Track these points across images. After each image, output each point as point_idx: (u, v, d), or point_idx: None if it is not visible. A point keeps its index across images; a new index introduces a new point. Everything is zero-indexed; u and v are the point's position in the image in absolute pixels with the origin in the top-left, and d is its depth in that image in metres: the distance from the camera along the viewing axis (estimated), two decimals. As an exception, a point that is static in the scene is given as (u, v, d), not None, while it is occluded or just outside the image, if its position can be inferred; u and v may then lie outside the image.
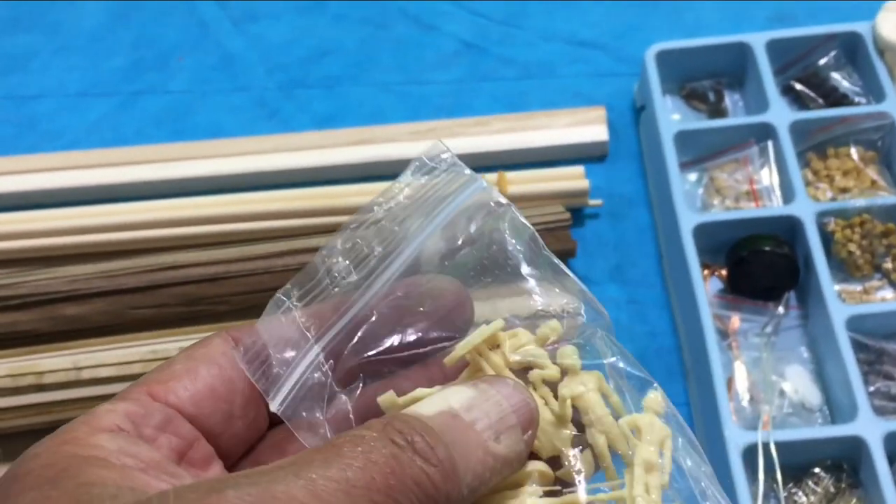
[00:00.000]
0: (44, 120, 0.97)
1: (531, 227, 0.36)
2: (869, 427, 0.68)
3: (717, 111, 0.89)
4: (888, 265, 0.78)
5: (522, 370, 0.33)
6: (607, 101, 0.93)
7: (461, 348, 0.33)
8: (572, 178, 0.85)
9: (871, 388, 0.71)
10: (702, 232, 0.78)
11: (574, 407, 0.32)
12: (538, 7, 1.01)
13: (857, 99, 0.87)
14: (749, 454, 0.68)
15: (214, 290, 0.77)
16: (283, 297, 0.34)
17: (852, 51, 0.89)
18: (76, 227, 0.84)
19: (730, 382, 0.73)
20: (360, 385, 0.34)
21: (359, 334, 0.34)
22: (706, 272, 0.79)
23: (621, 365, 0.34)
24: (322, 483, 0.25)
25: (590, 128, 0.89)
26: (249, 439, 0.33)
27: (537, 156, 0.88)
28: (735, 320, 0.77)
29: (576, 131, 0.89)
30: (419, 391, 0.32)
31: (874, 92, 0.86)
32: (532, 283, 0.35)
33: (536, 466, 0.32)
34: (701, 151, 0.85)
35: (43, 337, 0.77)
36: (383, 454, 0.27)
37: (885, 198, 0.79)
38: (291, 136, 0.92)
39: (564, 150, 0.88)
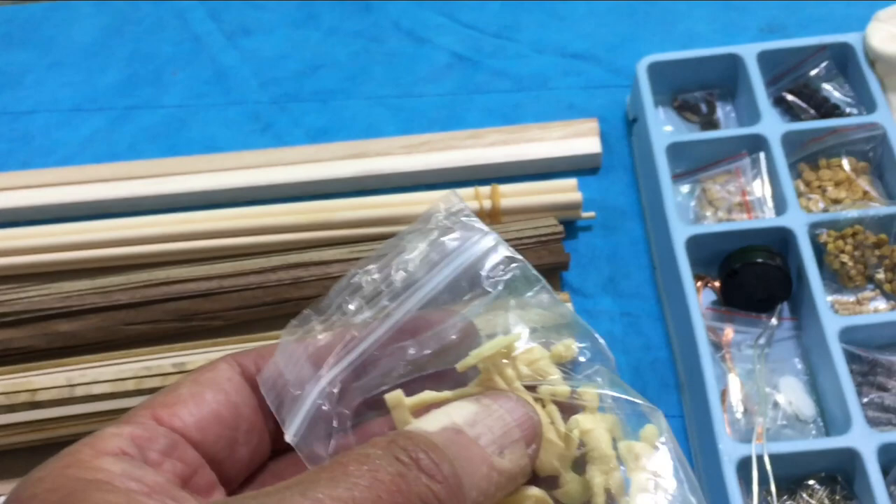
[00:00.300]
0: (37, 135, 0.97)
1: (542, 279, 0.36)
2: (863, 439, 0.68)
3: (710, 123, 0.90)
4: (881, 276, 0.78)
5: (532, 386, 0.34)
6: (600, 113, 0.93)
7: (474, 356, 0.33)
8: (565, 190, 0.85)
9: (865, 400, 0.71)
10: (694, 244, 0.78)
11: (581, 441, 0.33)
12: (530, 20, 1.01)
13: (848, 109, 0.87)
14: (743, 466, 0.68)
15: (208, 306, 0.77)
16: (296, 326, 0.35)
17: (843, 61, 0.89)
18: (70, 244, 0.84)
19: (723, 394, 0.73)
20: (366, 415, 0.34)
21: (365, 368, 0.34)
22: (699, 284, 0.79)
23: (621, 406, 0.35)
24: (329, 502, 0.25)
25: (582, 140, 0.89)
26: (251, 467, 0.33)
27: (530, 168, 0.88)
28: (728, 332, 0.77)
29: (568, 143, 0.89)
30: (427, 394, 0.33)
31: (865, 102, 0.86)
32: (538, 319, 0.36)
33: (534, 492, 0.32)
34: (693, 163, 0.85)
35: (37, 353, 0.77)
36: (389, 472, 0.27)
37: (876, 208, 0.79)
38: (285, 150, 0.92)
39: (557, 162, 0.88)
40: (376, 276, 0.35)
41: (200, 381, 0.32)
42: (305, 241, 0.83)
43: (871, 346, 0.74)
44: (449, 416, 0.30)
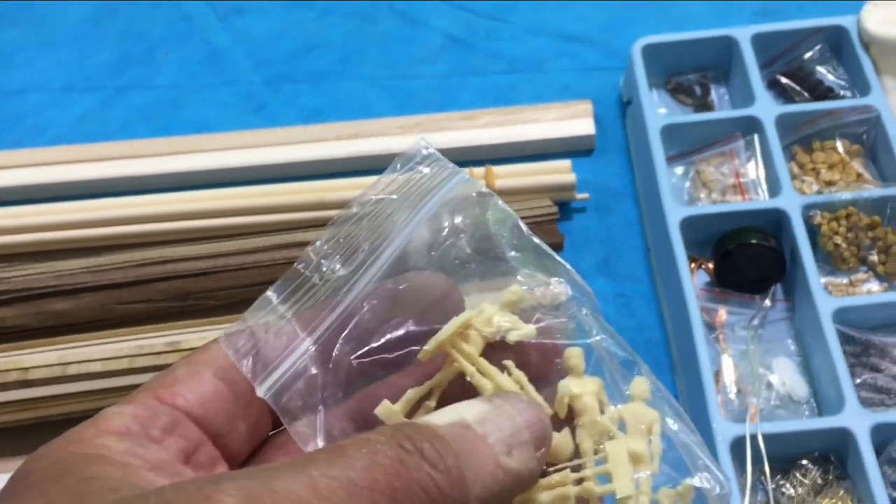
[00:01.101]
0: (29, 115, 0.97)
1: (514, 213, 0.36)
2: (856, 419, 0.68)
3: (704, 105, 0.90)
4: (874, 258, 0.79)
5: (500, 344, 0.34)
6: (594, 95, 0.93)
7: (432, 343, 0.33)
8: (559, 171, 0.85)
9: (858, 380, 0.72)
10: (688, 225, 0.78)
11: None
12: (525, 1, 1.01)
13: (842, 92, 0.87)
14: (737, 447, 0.68)
15: (203, 285, 0.77)
16: (271, 293, 0.34)
17: (837, 44, 0.89)
18: (62, 223, 0.84)
19: (717, 375, 0.74)
20: (354, 383, 0.34)
21: (349, 329, 0.34)
22: (693, 265, 0.79)
23: (606, 345, 0.35)
24: (324, 481, 0.25)
25: (577, 122, 0.89)
26: (253, 441, 0.33)
27: (524, 150, 0.88)
28: (722, 313, 0.77)
29: (563, 125, 0.89)
30: (410, 392, 0.33)
31: (859, 85, 0.86)
32: (516, 266, 0.36)
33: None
34: (687, 145, 0.85)
35: (29, 332, 0.76)
36: (389, 456, 0.26)
37: (870, 191, 0.79)
38: (278, 131, 0.92)
39: (551, 143, 0.88)
40: (350, 229, 0.35)
41: (196, 361, 0.32)
42: (300, 222, 0.83)
43: (864, 328, 0.74)
44: (458, 412, 0.30)
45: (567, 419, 0.33)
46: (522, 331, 0.34)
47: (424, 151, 0.37)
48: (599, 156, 0.89)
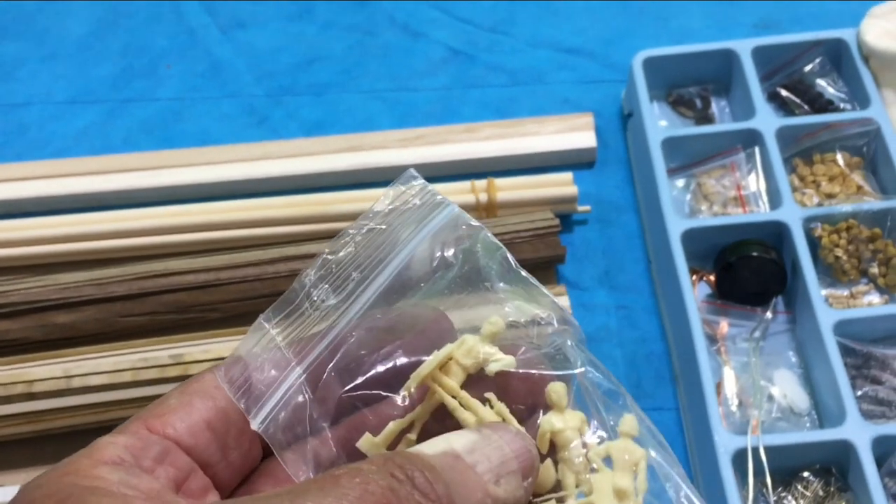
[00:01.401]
0: (32, 128, 0.97)
1: (503, 246, 0.37)
2: (857, 431, 0.68)
3: (704, 118, 0.90)
4: (874, 270, 0.79)
5: (480, 375, 0.34)
6: (595, 107, 0.93)
7: (414, 378, 0.34)
8: (561, 184, 0.85)
9: (859, 393, 0.72)
10: (690, 237, 0.78)
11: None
12: (526, 14, 1.02)
13: (842, 105, 0.88)
14: (738, 459, 0.68)
15: (205, 298, 0.77)
16: (263, 322, 0.35)
17: (837, 57, 0.89)
18: (65, 235, 0.84)
19: (719, 387, 0.74)
20: (342, 411, 0.34)
21: (338, 358, 0.34)
22: (694, 277, 0.79)
23: (591, 376, 0.35)
24: None
25: (578, 134, 0.90)
26: (244, 470, 0.34)
27: (526, 162, 0.89)
28: (723, 325, 0.77)
29: (564, 138, 0.89)
30: (392, 425, 0.33)
31: (859, 98, 0.87)
32: (504, 297, 0.36)
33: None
34: (688, 157, 0.85)
35: (33, 345, 0.77)
36: (381, 486, 0.27)
37: (870, 203, 0.80)
38: (280, 144, 0.92)
39: (553, 156, 0.89)
40: (340, 259, 0.36)
41: (188, 391, 0.33)
42: (302, 234, 0.83)
43: (865, 340, 0.74)
44: (448, 442, 0.30)
45: (550, 453, 0.34)
46: (502, 361, 0.34)
47: (415, 182, 0.37)
48: (601, 168, 0.90)
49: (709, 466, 0.69)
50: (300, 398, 0.33)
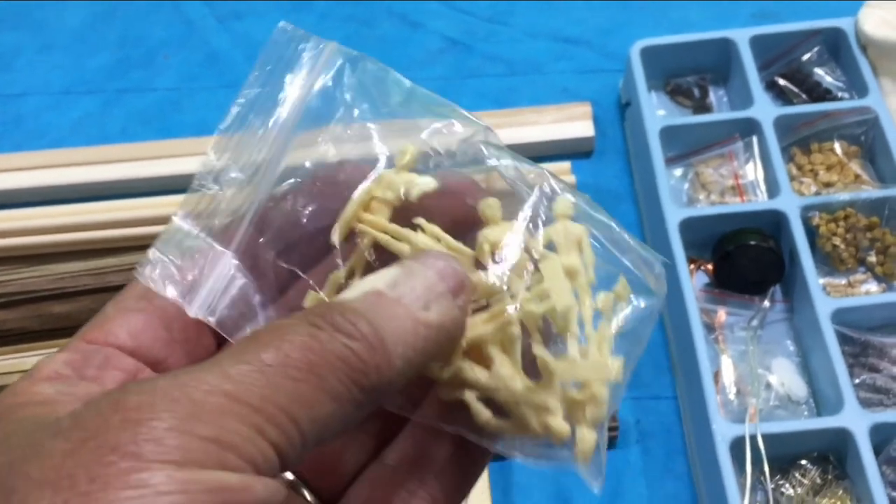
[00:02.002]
0: (28, 118, 0.97)
1: (390, 69, 0.36)
2: (855, 419, 0.68)
3: (702, 107, 0.90)
4: (872, 259, 0.79)
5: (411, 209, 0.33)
6: (593, 97, 0.93)
7: (339, 226, 0.33)
8: (559, 173, 0.84)
9: (857, 381, 0.72)
10: (688, 226, 0.78)
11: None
12: (524, 4, 1.01)
13: (840, 94, 0.88)
14: (736, 447, 0.68)
15: (202, 287, 0.77)
16: (176, 220, 0.33)
17: (835, 46, 0.89)
18: (62, 225, 0.84)
19: (716, 376, 0.74)
20: (285, 281, 0.34)
21: (267, 231, 0.33)
22: (692, 266, 0.79)
23: (515, 166, 0.34)
24: (235, 366, 0.25)
25: (576, 124, 0.89)
26: (196, 358, 0.33)
27: (524, 151, 0.87)
28: (721, 314, 0.77)
29: (562, 127, 0.89)
30: (332, 276, 0.33)
31: (857, 87, 0.87)
32: (414, 122, 0.35)
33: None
34: (686, 147, 0.85)
35: (30, 335, 0.77)
36: (300, 334, 0.26)
37: (868, 192, 0.80)
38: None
39: (551, 145, 0.89)
40: (244, 136, 0.34)
41: (123, 297, 0.32)
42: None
43: (862, 328, 0.74)
44: (369, 283, 0.29)
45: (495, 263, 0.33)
46: (421, 185, 0.33)
47: (293, 36, 0.36)
48: (598, 158, 0.90)
49: (707, 455, 0.69)
50: (237, 279, 0.33)
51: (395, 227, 0.33)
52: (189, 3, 1.04)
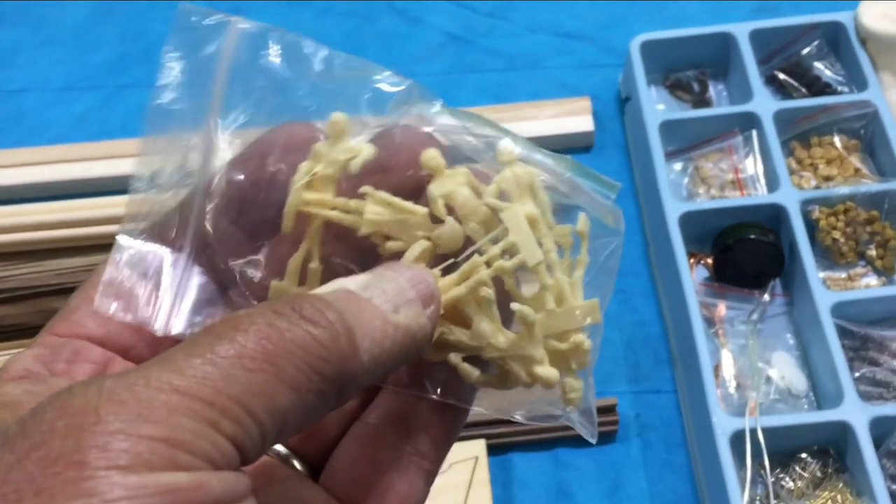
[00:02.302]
0: (29, 114, 0.97)
1: (306, 37, 0.34)
2: (855, 412, 0.68)
3: (702, 101, 0.90)
4: (872, 252, 0.79)
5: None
6: (592, 92, 0.93)
7: (286, 215, 0.32)
8: (559, 168, 0.85)
9: (857, 374, 0.72)
10: (688, 221, 0.78)
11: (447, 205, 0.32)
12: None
13: (839, 88, 0.88)
14: (736, 440, 0.68)
15: (203, 282, 0.77)
16: (122, 235, 0.32)
17: (835, 40, 0.89)
18: (62, 221, 0.84)
19: (716, 369, 0.74)
20: (246, 274, 0.33)
21: (214, 223, 0.32)
22: (692, 261, 0.79)
23: (446, 115, 0.34)
24: (186, 361, 0.24)
25: (575, 118, 0.90)
26: (167, 342, 0.32)
27: (524, 147, 0.88)
28: (721, 308, 0.77)
29: (562, 122, 0.89)
30: (291, 262, 0.32)
31: (857, 81, 0.87)
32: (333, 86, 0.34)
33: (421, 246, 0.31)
34: (686, 141, 0.85)
35: (31, 330, 0.77)
36: (257, 323, 0.25)
37: (868, 185, 0.80)
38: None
39: (550, 140, 0.89)
40: (158, 142, 0.33)
41: (87, 286, 0.31)
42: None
43: (862, 322, 0.74)
44: (340, 283, 0.29)
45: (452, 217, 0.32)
46: (361, 155, 0.32)
47: (198, 14, 0.33)
48: (598, 152, 0.90)
49: (707, 448, 0.69)
50: (194, 280, 0.32)
51: (342, 201, 0.32)
52: (189, -2, 1.04)
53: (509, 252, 0.31)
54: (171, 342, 0.31)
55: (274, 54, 0.33)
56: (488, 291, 0.31)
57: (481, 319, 0.31)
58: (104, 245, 0.83)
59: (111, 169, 0.89)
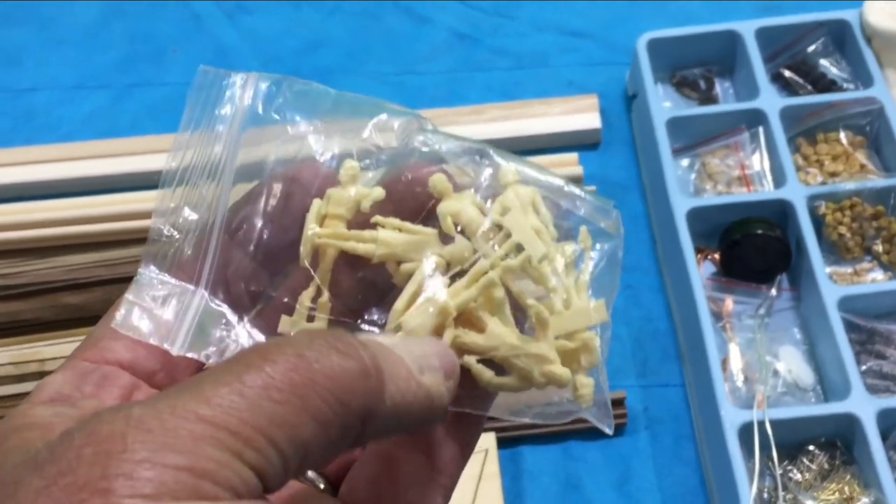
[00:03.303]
0: (40, 112, 0.97)
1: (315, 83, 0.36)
2: (862, 405, 0.69)
3: (708, 99, 0.90)
4: (878, 247, 0.79)
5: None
6: (599, 89, 0.94)
7: (303, 247, 0.33)
8: (566, 165, 0.86)
9: (864, 367, 0.73)
10: (695, 216, 0.79)
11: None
12: (530, -2, 1.02)
13: (845, 85, 0.88)
14: (745, 433, 0.69)
15: (214, 278, 0.78)
16: (142, 270, 0.33)
17: (840, 38, 0.90)
18: (74, 218, 0.85)
19: (724, 363, 0.74)
20: (258, 297, 0.34)
21: (232, 257, 0.34)
22: (699, 256, 0.80)
23: (453, 146, 0.35)
24: (213, 390, 0.24)
25: (583, 115, 0.90)
26: (190, 370, 0.33)
27: (531, 143, 0.89)
28: (729, 303, 0.78)
29: (569, 119, 0.90)
30: (303, 297, 0.33)
31: (862, 78, 0.87)
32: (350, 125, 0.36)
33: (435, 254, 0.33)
34: (693, 138, 0.86)
35: (45, 325, 0.77)
36: (286, 354, 0.25)
37: (874, 181, 0.80)
38: (286, 126, 0.92)
39: (558, 137, 0.89)
40: (185, 175, 0.35)
41: (111, 316, 0.32)
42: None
43: (869, 316, 0.75)
44: (371, 336, 0.30)
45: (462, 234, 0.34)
46: (371, 195, 0.34)
47: (216, 75, 0.36)
48: (605, 149, 0.90)
49: (715, 441, 0.70)
50: (212, 308, 0.33)
51: (355, 233, 0.33)
52: (197, -2, 1.05)
53: (513, 254, 0.33)
54: (195, 365, 0.33)
55: (286, 98, 0.36)
56: (500, 291, 0.32)
57: (495, 322, 0.32)
58: (114, 241, 0.84)
59: (120, 166, 0.90)
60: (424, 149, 0.35)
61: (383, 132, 0.35)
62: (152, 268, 0.33)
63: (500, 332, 0.32)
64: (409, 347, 0.30)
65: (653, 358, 0.79)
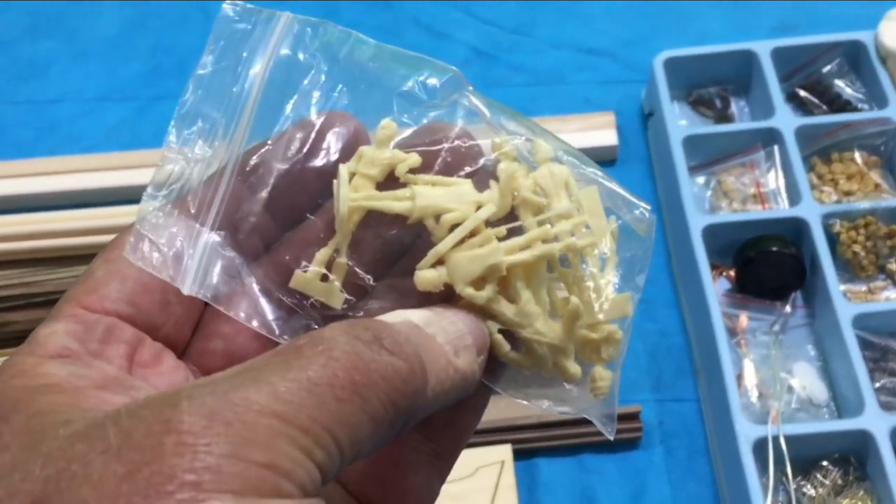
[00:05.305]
0: (64, 124, 0.99)
1: (353, 32, 0.35)
2: (876, 421, 0.69)
3: (724, 117, 0.91)
4: (892, 266, 0.80)
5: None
6: (615, 107, 0.95)
7: (342, 200, 0.32)
8: (583, 181, 0.86)
9: (877, 385, 0.73)
10: (710, 233, 0.80)
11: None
12: (547, 16, 1.03)
13: (860, 105, 0.89)
14: (759, 448, 0.70)
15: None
16: (148, 197, 0.33)
17: (855, 59, 0.91)
18: (97, 228, 0.86)
19: (739, 379, 0.75)
20: (270, 237, 0.33)
21: (243, 195, 0.33)
22: (715, 272, 0.80)
23: (502, 116, 0.34)
24: (283, 384, 0.24)
25: (599, 133, 0.91)
26: (192, 319, 0.32)
27: (548, 160, 0.90)
28: (743, 319, 0.79)
29: (586, 136, 0.91)
30: (319, 255, 0.32)
31: (877, 98, 0.88)
32: (384, 79, 0.35)
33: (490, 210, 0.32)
34: (709, 156, 0.87)
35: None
36: (345, 351, 0.26)
37: (888, 200, 0.81)
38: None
39: (575, 154, 0.90)
40: (199, 108, 0.33)
41: (112, 258, 0.31)
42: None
43: (883, 333, 0.76)
44: (404, 314, 0.30)
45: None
46: (408, 161, 0.32)
47: (243, 11, 0.34)
48: (622, 166, 0.91)
49: (730, 456, 0.71)
50: (221, 250, 0.32)
51: (389, 193, 0.32)
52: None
53: (578, 233, 0.32)
54: (194, 318, 0.32)
55: (321, 43, 0.34)
56: (543, 269, 0.31)
57: (529, 299, 0.31)
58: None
59: (143, 178, 0.91)
60: (466, 106, 0.34)
61: (424, 88, 0.34)
62: (157, 197, 0.32)
63: (531, 312, 0.31)
64: (444, 325, 0.30)
65: (667, 372, 0.79)
